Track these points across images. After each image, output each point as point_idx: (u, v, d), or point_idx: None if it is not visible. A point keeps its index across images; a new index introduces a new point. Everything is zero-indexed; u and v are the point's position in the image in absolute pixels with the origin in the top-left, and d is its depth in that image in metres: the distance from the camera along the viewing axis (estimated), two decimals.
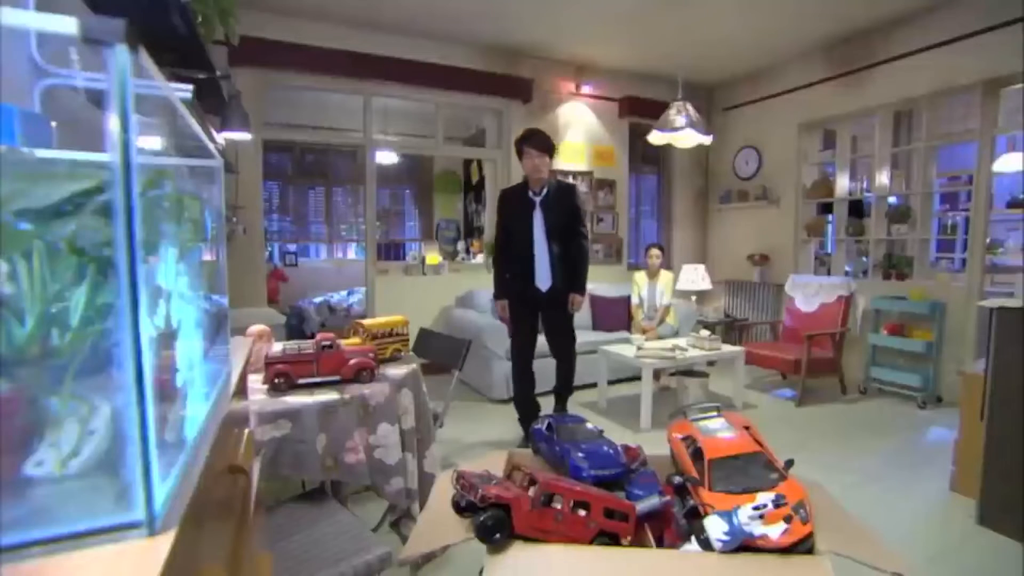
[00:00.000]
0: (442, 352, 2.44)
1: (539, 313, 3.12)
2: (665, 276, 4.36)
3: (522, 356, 3.14)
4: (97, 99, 0.93)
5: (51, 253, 0.39)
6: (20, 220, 0.38)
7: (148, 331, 0.40)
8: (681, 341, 3.92)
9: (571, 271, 3.05)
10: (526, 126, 3.00)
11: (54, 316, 0.39)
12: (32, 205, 0.38)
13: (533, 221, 2.97)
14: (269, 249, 6.64)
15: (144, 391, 0.38)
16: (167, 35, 1.17)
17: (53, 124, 0.67)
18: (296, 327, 5.73)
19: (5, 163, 0.42)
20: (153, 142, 0.56)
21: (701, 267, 4.99)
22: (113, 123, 0.36)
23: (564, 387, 3.25)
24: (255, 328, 1.86)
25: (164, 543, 0.39)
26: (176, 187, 0.56)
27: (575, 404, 3.91)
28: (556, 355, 3.19)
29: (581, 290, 3.11)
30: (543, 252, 2.98)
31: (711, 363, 4.32)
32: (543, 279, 3.01)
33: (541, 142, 2.92)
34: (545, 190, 2.99)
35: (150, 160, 0.51)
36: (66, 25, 0.36)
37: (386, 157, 6.33)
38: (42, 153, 0.54)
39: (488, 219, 5.22)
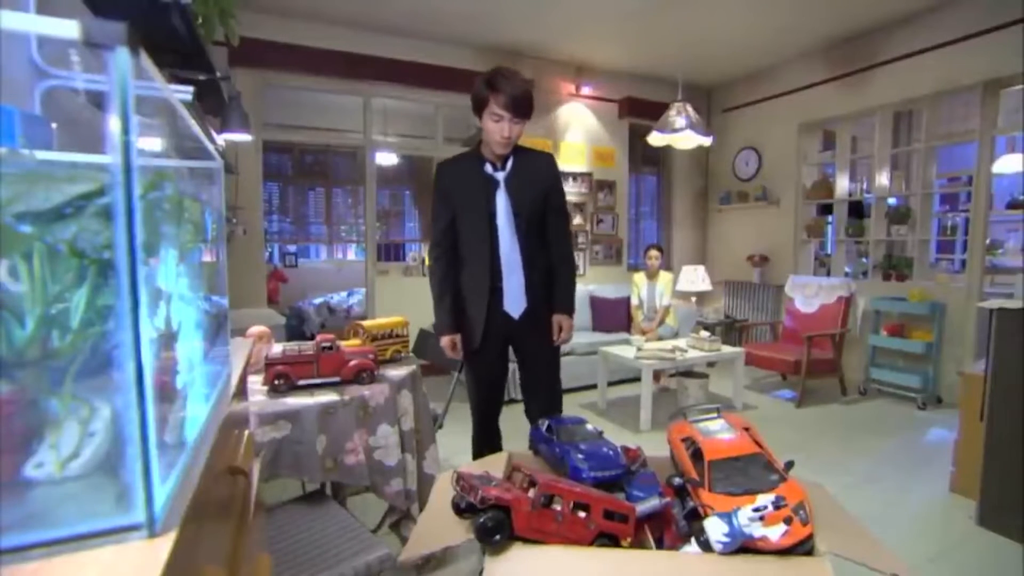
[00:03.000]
0: (442, 353, 2.43)
1: (509, 347, 2.09)
2: (664, 277, 4.36)
3: (485, 416, 2.13)
4: (97, 100, 0.93)
5: (52, 255, 0.39)
6: (21, 223, 0.38)
7: (148, 333, 0.40)
8: (681, 342, 3.92)
9: (552, 282, 2.05)
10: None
11: (54, 318, 0.39)
12: (33, 208, 0.38)
13: (496, 208, 1.94)
14: (269, 250, 6.64)
15: (144, 393, 0.38)
16: (167, 36, 1.17)
17: (53, 126, 0.68)
18: (296, 328, 5.73)
19: (6, 165, 0.42)
20: (153, 144, 0.56)
21: (701, 268, 4.99)
22: (114, 125, 0.36)
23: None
24: (255, 329, 1.86)
25: (164, 545, 0.39)
26: (176, 189, 0.56)
27: (575, 405, 3.92)
28: (534, 414, 2.07)
29: (569, 309, 2.06)
30: (513, 256, 1.94)
31: (711, 364, 4.32)
32: (514, 299, 1.96)
33: (518, 97, 1.82)
34: (511, 162, 1.96)
35: (150, 162, 0.51)
36: (68, 29, 0.36)
37: (386, 158, 6.33)
38: (42, 155, 0.54)
39: None
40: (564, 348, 2.19)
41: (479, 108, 1.88)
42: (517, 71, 1.88)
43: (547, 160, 2.06)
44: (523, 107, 1.84)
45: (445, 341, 2.01)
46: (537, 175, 2.00)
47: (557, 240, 2.06)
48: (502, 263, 1.95)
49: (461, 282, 2.01)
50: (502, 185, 1.96)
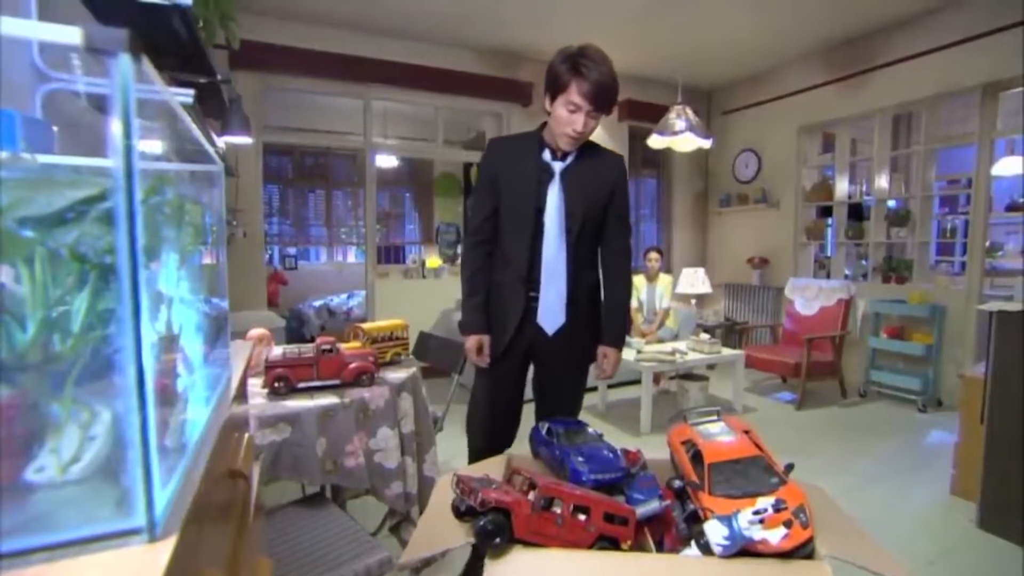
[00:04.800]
0: (442, 355, 2.44)
1: (529, 367, 1.82)
2: (664, 279, 4.37)
3: (489, 439, 1.83)
4: (98, 103, 0.93)
5: (53, 259, 0.39)
6: (23, 227, 0.38)
7: (149, 337, 0.40)
8: (681, 344, 3.92)
9: (602, 303, 1.79)
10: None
11: (56, 322, 0.39)
12: (34, 212, 0.39)
13: (545, 202, 1.67)
14: (269, 252, 6.64)
15: (145, 397, 0.38)
16: (168, 40, 1.17)
17: (55, 129, 0.68)
18: (296, 330, 5.73)
19: (7, 170, 0.42)
20: (154, 147, 0.56)
21: (701, 270, 4.99)
22: (115, 130, 0.37)
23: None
24: (255, 332, 1.86)
25: (164, 549, 0.39)
26: (177, 192, 0.56)
27: None
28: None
29: (619, 341, 1.80)
30: (557, 263, 1.68)
31: (711, 366, 4.32)
32: (550, 313, 1.70)
33: (606, 87, 1.55)
34: (573, 155, 1.69)
35: (151, 165, 0.51)
36: (70, 35, 0.36)
37: (386, 160, 6.34)
38: (44, 159, 0.54)
39: None
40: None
41: (553, 90, 1.60)
42: (606, 55, 1.58)
43: (616, 160, 1.79)
44: (607, 100, 1.58)
45: (471, 342, 1.75)
46: (602, 174, 1.72)
47: (616, 250, 1.78)
48: (542, 269, 1.68)
49: (496, 280, 1.75)
50: (557, 177, 1.68)
